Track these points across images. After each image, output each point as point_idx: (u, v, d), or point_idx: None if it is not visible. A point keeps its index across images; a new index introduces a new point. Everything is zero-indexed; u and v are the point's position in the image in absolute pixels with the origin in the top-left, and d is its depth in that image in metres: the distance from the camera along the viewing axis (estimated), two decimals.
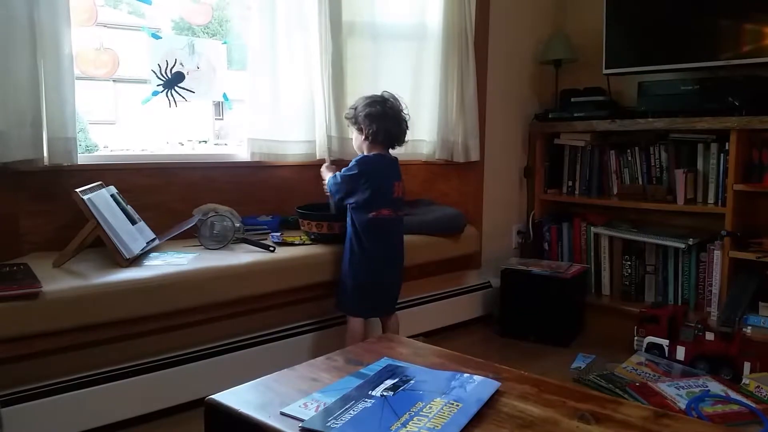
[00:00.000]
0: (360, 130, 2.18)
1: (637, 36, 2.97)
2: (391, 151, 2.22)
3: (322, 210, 2.33)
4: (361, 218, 2.13)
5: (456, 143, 2.92)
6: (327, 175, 2.27)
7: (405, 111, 2.22)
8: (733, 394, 2.14)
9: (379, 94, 2.20)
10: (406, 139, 2.25)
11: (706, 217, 2.80)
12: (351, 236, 2.16)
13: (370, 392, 1.11)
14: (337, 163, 2.43)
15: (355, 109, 2.19)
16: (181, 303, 1.85)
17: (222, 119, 4.86)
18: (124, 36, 2.58)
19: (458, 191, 3.11)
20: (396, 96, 2.21)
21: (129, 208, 2.06)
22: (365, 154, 2.19)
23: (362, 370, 1.24)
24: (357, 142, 2.24)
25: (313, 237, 2.27)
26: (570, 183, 3.30)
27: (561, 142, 3.28)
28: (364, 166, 2.13)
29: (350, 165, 2.16)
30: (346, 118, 2.27)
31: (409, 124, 2.24)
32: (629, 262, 2.99)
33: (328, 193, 2.23)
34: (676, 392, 2.15)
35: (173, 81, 2.30)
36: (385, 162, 2.19)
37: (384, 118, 2.13)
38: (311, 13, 2.42)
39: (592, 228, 3.11)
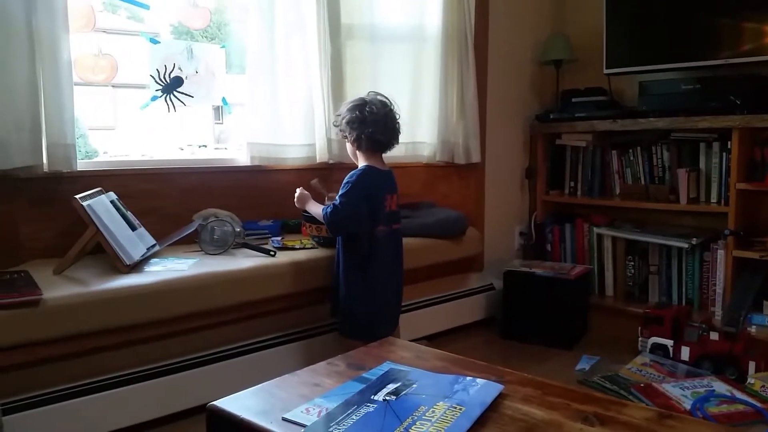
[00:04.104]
0: (346, 138, 2.07)
1: (637, 35, 2.96)
2: (391, 151, 2.13)
3: None
4: (356, 240, 2.03)
5: (457, 145, 2.91)
6: (312, 208, 2.13)
7: (394, 109, 2.05)
8: (738, 394, 2.12)
9: (361, 96, 2.05)
10: (400, 140, 2.10)
11: (709, 216, 2.79)
12: (345, 262, 2.06)
13: (372, 397, 1.10)
14: (337, 167, 2.42)
15: (340, 115, 2.06)
16: (182, 309, 1.84)
17: (222, 123, 4.85)
18: (122, 41, 2.58)
19: (459, 193, 3.11)
20: (381, 95, 2.06)
21: (129, 214, 2.06)
22: (359, 164, 2.08)
23: (364, 375, 1.23)
24: (349, 150, 2.14)
25: (317, 241, 2.25)
26: (572, 184, 3.29)
27: (562, 143, 3.27)
28: (360, 183, 2.00)
29: (344, 189, 2.00)
30: (334, 125, 2.15)
31: (402, 124, 2.10)
32: (632, 263, 2.98)
33: (327, 225, 2.04)
34: (681, 393, 2.14)
35: (172, 86, 2.30)
36: (376, 174, 2.05)
37: (365, 123, 1.98)
38: (309, 16, 2.42)
39: (594, 228, 3.10)
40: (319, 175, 2.41)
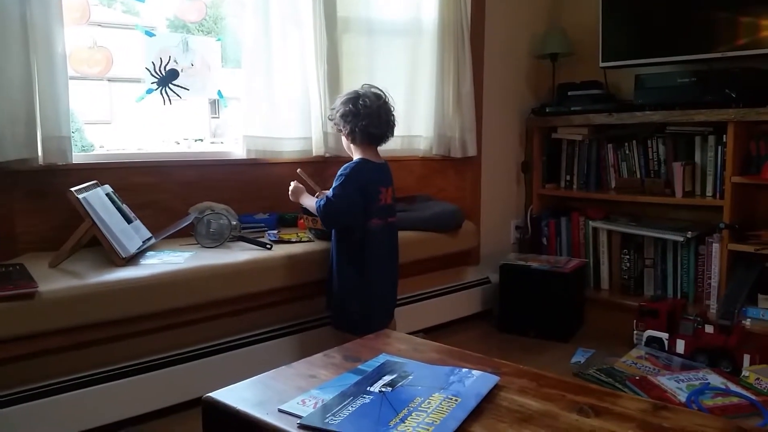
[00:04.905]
0: (341, 131, 2.07)
1: (633, 29, 2.96)
2: (387, 144, 2.13)
3: None
4: (350, 233, 2.03)
5: (453, 138, 2.91)
6: (306, 201, 2.13)
7: (389, 101, 2.04)
8: (733, 387, 2.13)
9: (355, 89, 2.04)
10: (395, 133, 2.09)
11: (705, 209, 2.80)
12: (339, 256, 2.05)
13: (368, 388, 1.11)
14: (333, 160, 2.42)
15: (334, 109, 2.06)
16: (178, 302, 1.84)
17: (218, 117, 4.84)
18: (117, 34, 2.57)
19: (456, 187, 3.11)
20: (375, 87, 2.04)
21: (124, 206, 2.05)
22: (353, 158, 2.07)
23: (360, 367, 1.23)
24: (345, 144, 2.13)
25: (315, 234, 2.25)
26: (568, 177, 3.29)
27: (558, 137, 3.27)
28: (354, 175, 1.99)
29: (338, 182, 1.99)
30: (329, 119, 2.15)
31: (399, 117, 2.09)
32: (628, 256, 2.98)
33: (320, 218, 2.04)
34: (676, 385, 2.15)
35: (167, 78, 2.29)
36: (370, 167, 2.04)
37: (358, 117, 1.97)
38: (305, 9, 2.41)
39: (590, 222, 3.11)
40: (315, 168, 2.41)
